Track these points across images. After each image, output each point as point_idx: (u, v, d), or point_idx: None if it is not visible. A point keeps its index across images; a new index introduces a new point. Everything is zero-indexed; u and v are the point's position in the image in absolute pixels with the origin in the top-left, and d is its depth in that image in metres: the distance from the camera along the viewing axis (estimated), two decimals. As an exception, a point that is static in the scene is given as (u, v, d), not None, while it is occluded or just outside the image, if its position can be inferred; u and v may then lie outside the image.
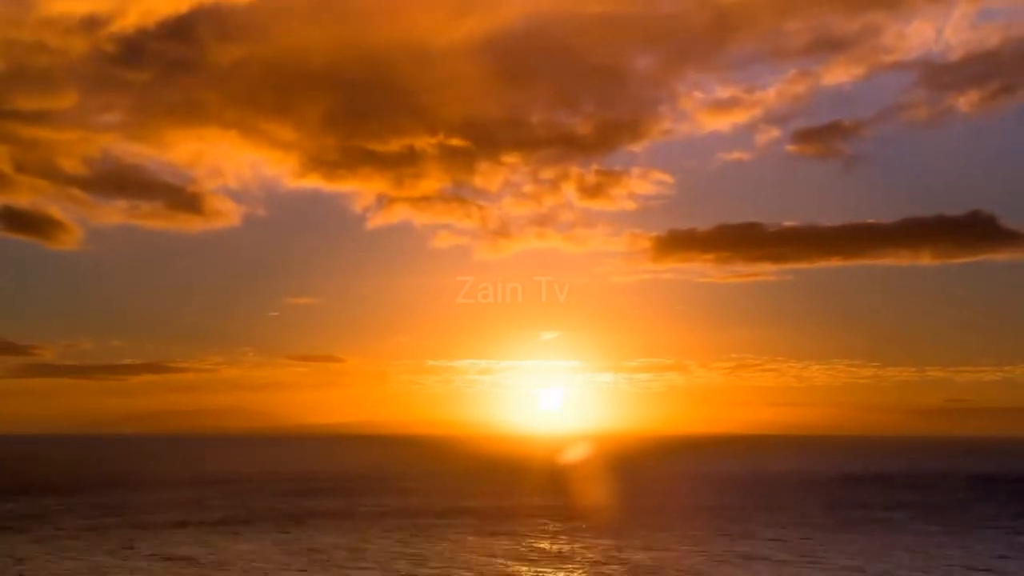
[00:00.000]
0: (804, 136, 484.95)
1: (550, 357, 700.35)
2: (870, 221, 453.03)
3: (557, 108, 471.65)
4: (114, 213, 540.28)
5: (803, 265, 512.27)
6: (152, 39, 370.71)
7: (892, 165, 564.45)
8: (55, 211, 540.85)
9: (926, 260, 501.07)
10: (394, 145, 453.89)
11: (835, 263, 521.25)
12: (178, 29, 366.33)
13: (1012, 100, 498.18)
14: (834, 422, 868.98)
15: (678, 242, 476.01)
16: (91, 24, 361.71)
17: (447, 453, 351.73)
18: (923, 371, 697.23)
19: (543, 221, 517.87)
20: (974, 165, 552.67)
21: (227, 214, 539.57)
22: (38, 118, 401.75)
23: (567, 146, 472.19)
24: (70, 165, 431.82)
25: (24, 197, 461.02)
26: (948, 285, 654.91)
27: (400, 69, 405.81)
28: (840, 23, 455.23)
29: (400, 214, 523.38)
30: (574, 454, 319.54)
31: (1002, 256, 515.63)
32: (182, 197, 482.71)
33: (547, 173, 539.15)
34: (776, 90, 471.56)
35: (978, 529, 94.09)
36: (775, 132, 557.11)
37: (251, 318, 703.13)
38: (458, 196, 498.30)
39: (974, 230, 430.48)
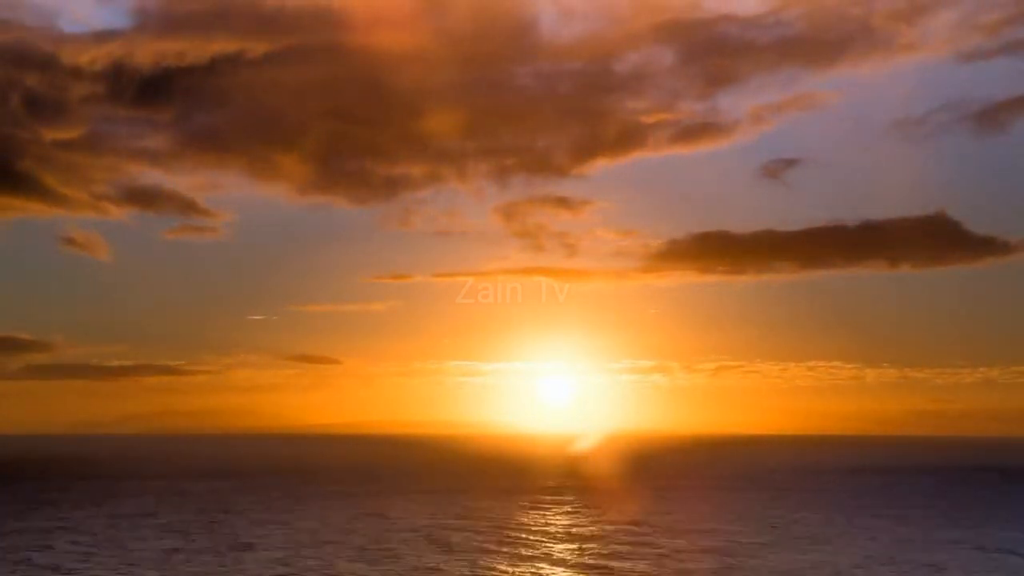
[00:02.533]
0: (769, 165, 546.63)
1: (539, 360, 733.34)
2: (841, 224, 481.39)
3: (540, 135, 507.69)
4: (138, 230, 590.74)
5: (781, 274, 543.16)
6: (173, 80, 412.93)
7: (849, 180, 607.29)
8: (91, 227, 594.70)
9: (904, 268, 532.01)
10: (387, 170, 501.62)
11: (811, 271, 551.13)
12: (196, 72, 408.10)
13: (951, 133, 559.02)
14: (825, 423, 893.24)
15: (658, 252, 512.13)
16: (117, 68, 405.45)
17: (456, 450, 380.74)
18: (903, 372, 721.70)
19: (529, 235, 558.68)
20: (933, 174, 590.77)
21: (236, 230, 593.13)
22: (73, 147, 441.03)
23: (550, 167, 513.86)
24: (101, 188, 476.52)
25: (68, 213, 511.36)
26: (924, 291, 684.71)
27: (393, 106, 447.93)
28: (799, 77, 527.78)
29: (394, 229, 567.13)
30: (579, 447, 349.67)
31: (977, 264, 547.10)
32: (197, 216, 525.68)
33: (531, 191, 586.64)
34: (742, 125, 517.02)
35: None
36: (746, 160, 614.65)
37: (255, 324, 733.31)
38: (449, 212, 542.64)
39: (944, 235, 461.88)
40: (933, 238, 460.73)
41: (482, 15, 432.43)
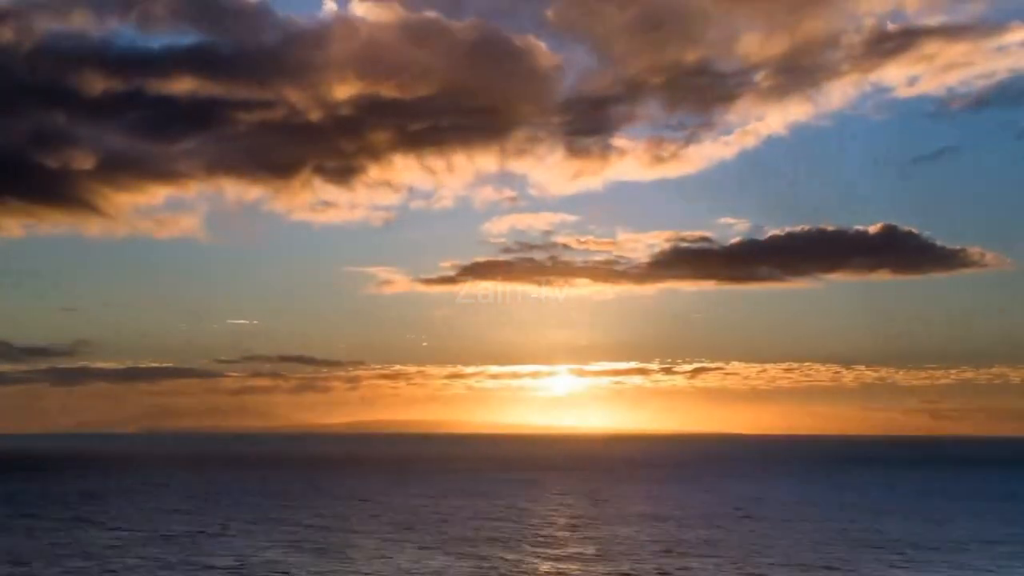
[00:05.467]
0: (737, 187, 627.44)
1: (525, 363, 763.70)
2: (816, 232, 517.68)
3: (536, 161, 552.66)
4: (154, 244, 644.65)
5: (757, 281, 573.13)
6: (191, 112, 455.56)
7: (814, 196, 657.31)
8: (109, 243, 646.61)
9: (883, 275, 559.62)
10: (383, 190, 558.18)
11: (785, 279, 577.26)
12: (200, 111, 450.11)
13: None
14: (805, 422, 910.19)
15: (640, 261, 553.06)
16: (127, 104, 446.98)
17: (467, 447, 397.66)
18: (879, 373, 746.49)
19: (520, 247, 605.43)
20: (895, 195, 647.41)
21: (239, 243, 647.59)
22: (97, 169, 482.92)
23: (545, 186, 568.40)
24: (119, 207, 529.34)
25: (88, 229, 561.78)
26: (901, 297, 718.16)
27: (371, 149, 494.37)
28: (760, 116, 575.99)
29: (387, 239, 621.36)
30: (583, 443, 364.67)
31: (948, 273, 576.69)
32: (202, 231, 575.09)
33: (524, 207, 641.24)
34: (698, 152, 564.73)
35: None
36: (717, 181, 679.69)
37: (252, 327, 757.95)
38: (445, 225, 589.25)
39: (915, 247, 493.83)
40: (902, 249, 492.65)
41: (492, 66, 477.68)
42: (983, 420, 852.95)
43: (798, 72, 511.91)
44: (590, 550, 64.39)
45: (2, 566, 57.17)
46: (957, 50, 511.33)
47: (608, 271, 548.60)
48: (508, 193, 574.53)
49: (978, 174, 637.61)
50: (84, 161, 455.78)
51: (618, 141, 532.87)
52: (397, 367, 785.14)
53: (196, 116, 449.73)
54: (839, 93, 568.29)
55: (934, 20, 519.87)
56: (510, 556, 61.23)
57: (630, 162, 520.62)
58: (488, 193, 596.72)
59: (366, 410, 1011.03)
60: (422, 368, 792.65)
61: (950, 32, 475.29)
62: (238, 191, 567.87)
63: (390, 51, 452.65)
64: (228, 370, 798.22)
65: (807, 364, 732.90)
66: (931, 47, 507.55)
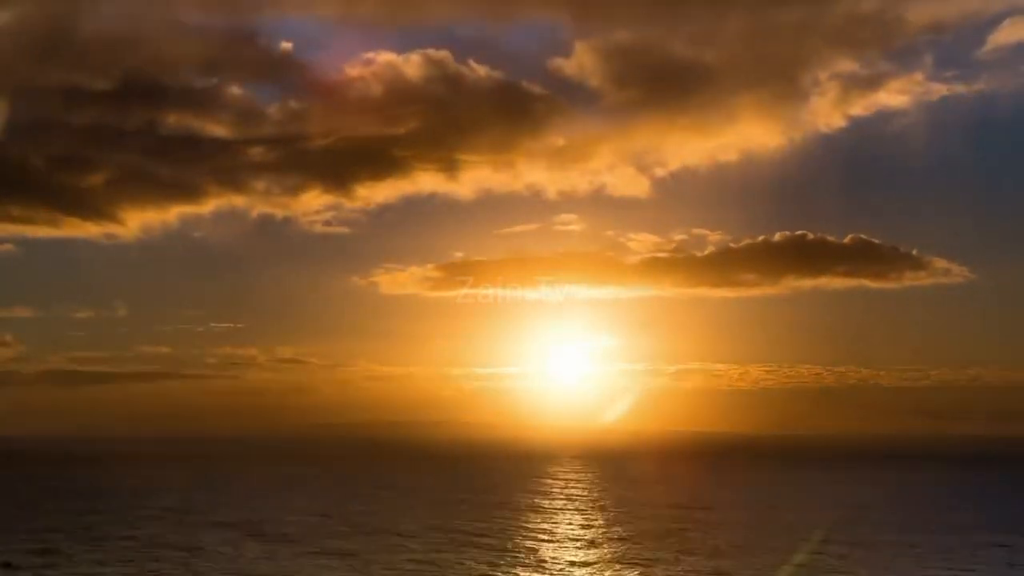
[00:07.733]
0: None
1: (519, 363, 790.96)
2: (797, 238, 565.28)
3: (517, 173, 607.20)
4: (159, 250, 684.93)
5: (741, 286, 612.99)
6: (197, 141, 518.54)
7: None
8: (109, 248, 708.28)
9: (859, 282, 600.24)
10: (364, 200, 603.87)
11: (765, 286, 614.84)
12: (215, 141, 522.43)
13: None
14: (786, 421, 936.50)
15: (624, 264, 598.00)
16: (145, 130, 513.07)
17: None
18: (860, 373, 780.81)
19: (513, 250, 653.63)
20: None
21: (229, 246, 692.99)
22: (106, 186, 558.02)
23: (539, 193, 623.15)
24: (124, 216, 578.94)
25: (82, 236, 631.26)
26: (879, 304, 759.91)
27: (372, 167, 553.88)
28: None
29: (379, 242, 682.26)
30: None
31: (922, 282, 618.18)
32: (204, 240, 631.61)
33: (518, 212, 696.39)
34: (679, 168, 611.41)
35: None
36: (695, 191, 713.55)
37: (241, 330, 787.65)
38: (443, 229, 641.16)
39: (895, 257, 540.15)
40: (877, 259, 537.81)
41: (494, 105, 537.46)
42: (969, 419, 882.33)
43: (774, 111, 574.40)
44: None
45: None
46: (911, 93, 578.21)
47: (596, 275, 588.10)
48: (501, 201, 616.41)
49: (943, 195, 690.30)
50: (97, 177, 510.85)
51: (606, 164, 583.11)
52: (393, 368, 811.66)
53: (210, 144, 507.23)
54: (810, 126, 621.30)
55: (889, 67, 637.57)
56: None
57: (617, 177, 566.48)
58: (482, 200, 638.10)
59: (364, 411, 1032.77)
60: (417, 369, 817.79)
61: (905, 75, 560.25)
62: (244, 204, 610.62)
63: (397, 91, 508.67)
64: (228, 372, 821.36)
65: (788, 365, 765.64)
66: (886, 93, 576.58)
